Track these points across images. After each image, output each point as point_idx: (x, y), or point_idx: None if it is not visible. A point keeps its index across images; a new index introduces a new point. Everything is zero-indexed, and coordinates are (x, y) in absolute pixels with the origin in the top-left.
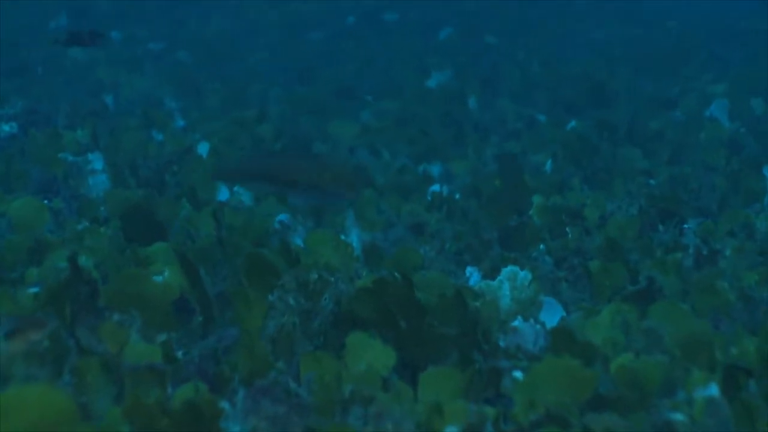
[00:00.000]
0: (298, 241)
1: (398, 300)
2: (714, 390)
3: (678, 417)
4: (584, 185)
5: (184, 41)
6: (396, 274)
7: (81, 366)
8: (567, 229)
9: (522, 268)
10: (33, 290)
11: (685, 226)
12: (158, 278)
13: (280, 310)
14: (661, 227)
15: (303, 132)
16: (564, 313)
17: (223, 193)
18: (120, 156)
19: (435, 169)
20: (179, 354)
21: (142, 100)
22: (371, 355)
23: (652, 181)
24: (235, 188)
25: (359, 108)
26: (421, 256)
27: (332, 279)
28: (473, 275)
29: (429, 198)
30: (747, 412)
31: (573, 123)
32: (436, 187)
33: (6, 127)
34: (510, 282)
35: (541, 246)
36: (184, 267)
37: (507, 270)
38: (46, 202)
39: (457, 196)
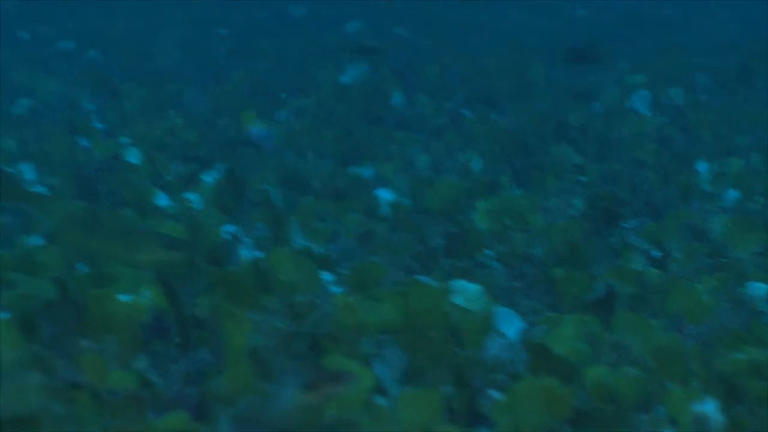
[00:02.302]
0: (245, 253)
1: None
2: (710, 406)
3: None
4: (514, 183)
5: (93, 40)
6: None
7: (68, 397)
8: (512, 234)
9: (473, 278)
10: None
11: (626, 225)
12: (125, 298)
13: (265, 331)
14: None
15: (225, 136)
16: (522, 324)
17: (161, 198)
18: (50, 165)
19: (366, 172)
20: (156, 379)
21: (58, 103)
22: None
23: (582, 178)
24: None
25: (275, 106)
26: (384, 269)
27: (318, 301)
28: None
29: (379, 205)
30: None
31: (496, 117)
32: (381, 193)
33: None
34: (461, 295)
35: (488, 251)
36: (160, 286)
37: (457, 283)
38: None
39: (405, 201)
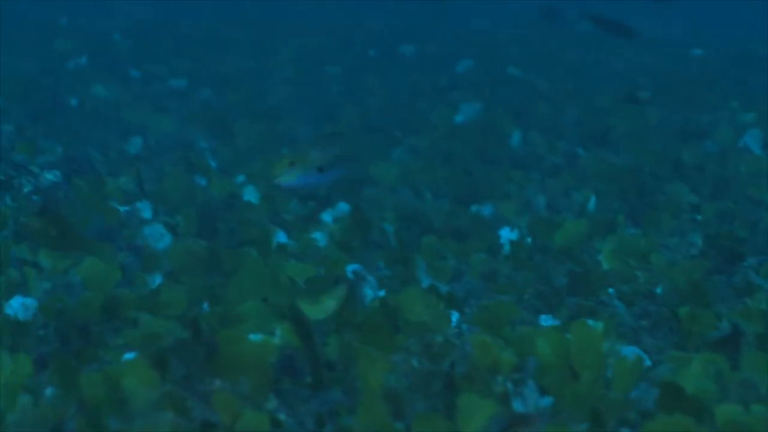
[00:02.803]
0: (369, 292)
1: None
2: None
3: None
4: (629, 222)
5: (205, 78)
6: None
7: None
8: (635, 273)
9: (597, 317)
10: (129, 356)
11: (747, 264)
12: (255, 337)
13: (399, 370)
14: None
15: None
16: (648, 362)
17: (281, 237)
18: (168, 203)
19: (485, 210)
20: (287, 420)
21: (171, 141)
22: (483, 415)
23: (698, 217)
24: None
25: (389, 145)
26: (515, 308)
27: (457, 342)
28: (548, 324)
29: (501, 244)
30: None
31: (610, 156)
32: (505, 233)
33: (50, 176)
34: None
35: (610, 290)
36: (296, 325)
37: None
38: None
39: (529, 240)
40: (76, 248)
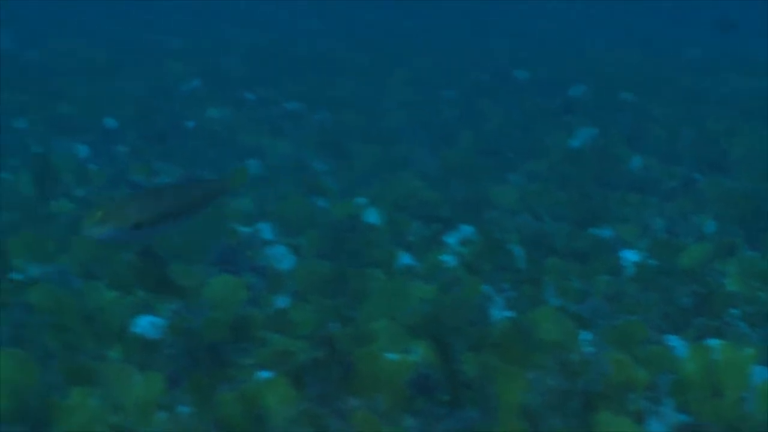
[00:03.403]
0: (496, 313)
1: None
2: None
3: None
4: (746, 245)
5: (319, 101)
6: None
7: None
8: (759, 294)
9: (723, 337)
10: (264, 375)
11: None
12: (391, 356)
13: (536, 388)
14: None
15: (462, 196)
16: None
17: (405, 258)
18: (288, 225)
19: (605, 233)
20: None
21: (288, 163)
22: None
23: None
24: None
25: (505, 168)
26: (645, 328)
27: (594, 359)
28: (675, 344)
29: (623, 266)
30: None
31: (727, 181)
32: (627, 255)
33: None
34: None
35: (733, 311)
36: (434, 343)
37: (712, 343)
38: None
39: (651, 262)
40: (173, 292)
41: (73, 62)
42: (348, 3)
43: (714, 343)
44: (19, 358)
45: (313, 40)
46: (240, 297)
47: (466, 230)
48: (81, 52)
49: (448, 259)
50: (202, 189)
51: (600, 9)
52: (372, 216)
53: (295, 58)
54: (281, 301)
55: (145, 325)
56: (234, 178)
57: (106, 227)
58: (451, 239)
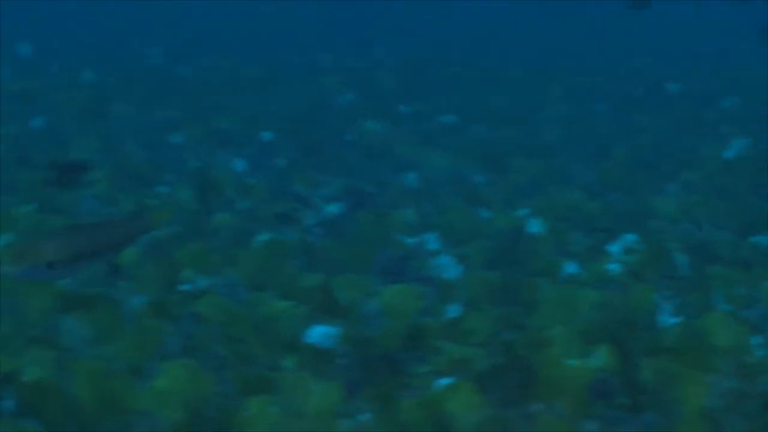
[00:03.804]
0: (663, 319)
1: None
2: None
3: None
4: None
5: (475, 115)
6: None
7: None
8: None
9: None
10: (444, 381)
11: None
12: (571, 362)
13: (716, 392)
14: None
15: (622, 207)
16: None
17: (570, 267)
18: (452, 235)
19: (765, 241)
20: None
21: (445, 176)
22: None
23: None
24: None
25: (662, 180)
26: None
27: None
28: None
29: None
30: None
31: None
32: None
33: (333, 208)
34: None
35: None
36: (615, 348)
37: None
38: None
39: None
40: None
41: (227, 78)
42: (497, 19)
43: None
44: (192, 369)
45: (465, 54)
46: (413, 306)
47: (629, 239)
48: (233, 69)
49: (613, 268)
50: (123, 228)
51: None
52: (535, 226)
53: (448, 73)
54: (452, 310)
55: (318, 335)
56: (156, 217)
57: (20, 265)
58: (614, 248)
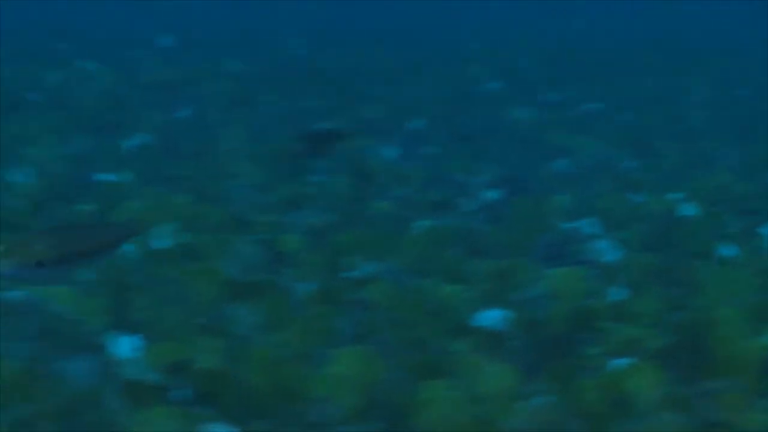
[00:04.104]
0: None
1: None
2: None
3: None
4: None
5: (622, 101)
6: None
7: None
8: None
9: None
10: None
11: None
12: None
13: None
14: None
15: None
16: None
17: (725, 249)
18: (609, 219)
19: None
20: None
21: (595, 162)
22: None
23: None
24: None
25: None
26: None
27: None
28: None
29: None
30: None
31: None
32: None
33: (490, 194)
34: None
35: None
36: None
37: None
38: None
39: None
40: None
41: (371, 67)
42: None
43: None
44: (366, 354)
45: (607, 41)
46: (579, 289)
47: None
48: (377, 58)
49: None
50: (111, 232)
51: None
52: (689, 209)
53: (591, 60)
54: (616, 293)
55: (488, 318)
56: (143, 223)
57: (9, 263)
58: (765, 230)
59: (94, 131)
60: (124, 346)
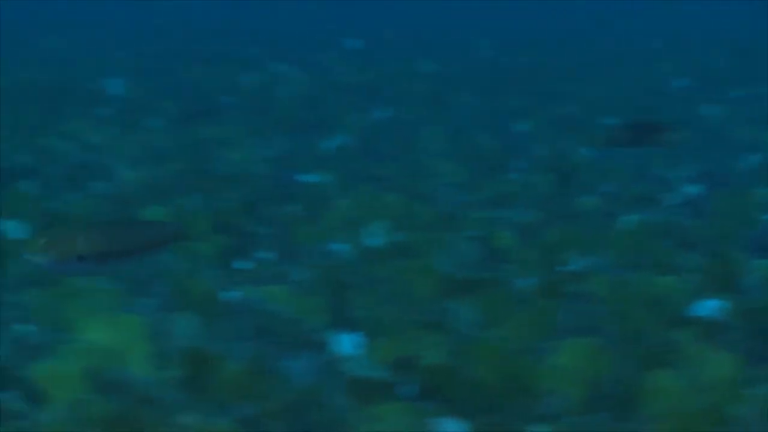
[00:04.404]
0: None
1: None
2: None
3: None
4: None
5: None
6: None
7: None
8: None
9: None
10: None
11: None
12: None
13: None
14: None
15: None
16: None
17: None
18: None
19: None
20: None
21: None
22: None
23: None
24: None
25: None
26: None
27: None
28: None
29: None
30: None
31: None
32: None
33: (692, 189)
34: None
35: None
36: None
37: None
38: None
39: None
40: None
41: (558, 66)
42: None
43: None
44: (591, 346)
45: None
46: None
47: None
48: (565, 57)
49: None
50: (154, 231)
51: None
52: None
53: None
54: None
55: (707, 308)
56: (190, 226)
57: (51, 256)
58: None
59: (292, 133)
60: (346, 344)
